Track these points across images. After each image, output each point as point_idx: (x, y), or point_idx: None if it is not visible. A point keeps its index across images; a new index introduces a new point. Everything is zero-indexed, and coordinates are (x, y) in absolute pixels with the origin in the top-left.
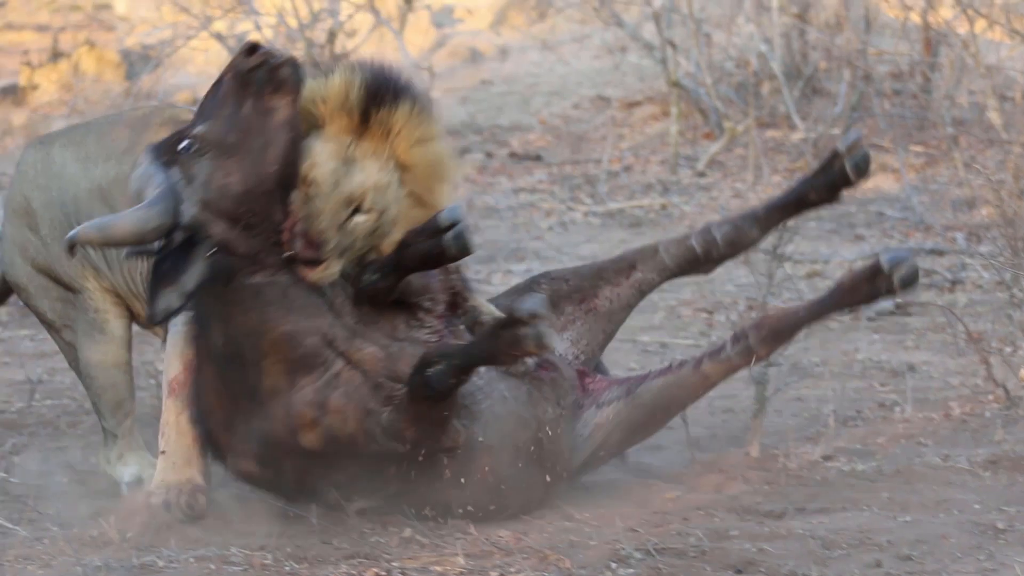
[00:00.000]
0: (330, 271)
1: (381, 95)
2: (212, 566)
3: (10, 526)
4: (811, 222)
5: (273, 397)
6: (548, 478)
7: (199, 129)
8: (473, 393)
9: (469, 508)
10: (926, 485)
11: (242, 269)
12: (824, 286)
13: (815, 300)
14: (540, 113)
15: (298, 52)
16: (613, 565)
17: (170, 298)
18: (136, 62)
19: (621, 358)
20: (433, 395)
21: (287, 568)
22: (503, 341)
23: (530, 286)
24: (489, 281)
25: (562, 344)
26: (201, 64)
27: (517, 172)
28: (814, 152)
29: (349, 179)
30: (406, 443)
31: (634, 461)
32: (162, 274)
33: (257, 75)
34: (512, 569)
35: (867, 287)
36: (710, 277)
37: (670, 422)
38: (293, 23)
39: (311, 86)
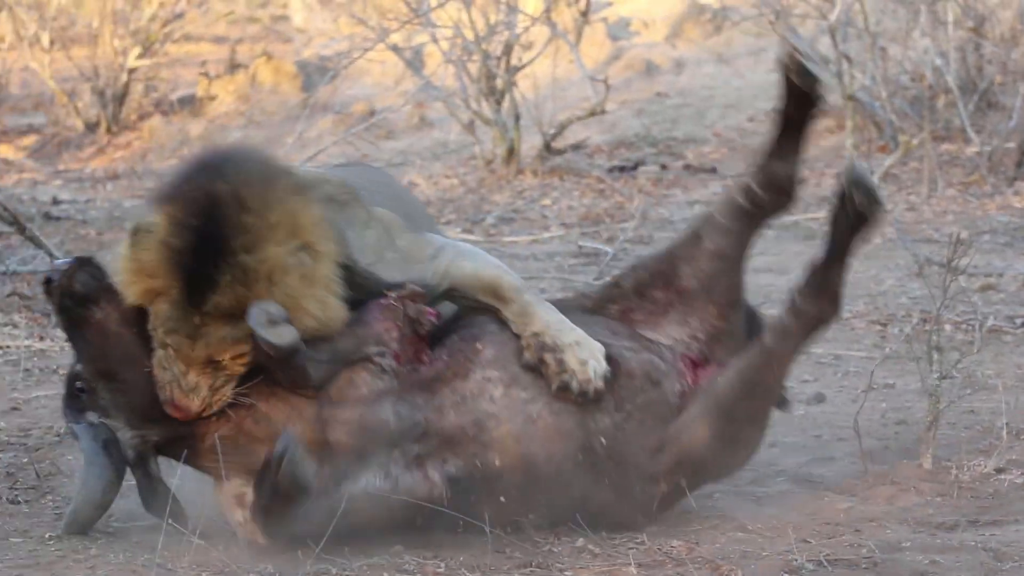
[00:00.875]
0: (219, 403)
1: (193, 277)
2: (385, 574)
3: (184, 532)
4: (985, 235)
5: None
6: (620, 482)
7: (79, 369)
8: (482, 421)
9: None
10: None
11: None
12: (998, 299)
13: (824, 247)
14: (715, 126)
15: (474, 65)
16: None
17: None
18: (312, 73)
19: (794, 370)
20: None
21: None
22: (274, 488)
23: (579, 301)
24: None
25: (669, 333)
26: (378, 76)
27: (692, 184)
28: (989, 166)
29: (196, 345)
30: None
31: (806, 472)
32: (151, 495)
33: (62, 305)
34: None
35: (843, 216)
36: (883, 289)
37: (841, 434)
38: (470, 35)
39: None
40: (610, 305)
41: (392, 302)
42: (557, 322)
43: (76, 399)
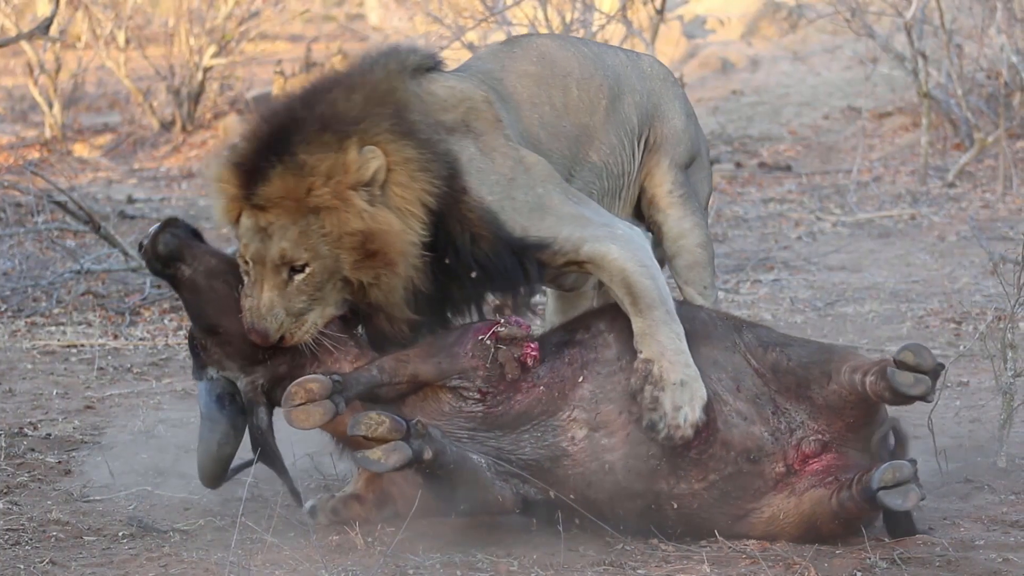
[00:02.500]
0: (300, 334)
1: (248, 172)
2: (459, 572)
3: (259, 531)
4: None
5: None
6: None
7: (192, 330)
8: (558, 459)
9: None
10: None
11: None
12: None
13: None
14: (790, 124)
15: None
16: (858, 574)
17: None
18: None
19: None
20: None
21: (533, 574)
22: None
23: (728, 337)
24: (737, 291)
25: (800, 412)
26: None
27: (767, 182)
28: None
29: (268, 246)
30: None
31: None
32: (260, 442)
33: (152, 267)
34: None
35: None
36: (957, 287)
37: (915, 432)
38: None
39: (210, 174)
40: (765, 354)
41: (487, 341)
42: (673, 353)
43: (196, 357)
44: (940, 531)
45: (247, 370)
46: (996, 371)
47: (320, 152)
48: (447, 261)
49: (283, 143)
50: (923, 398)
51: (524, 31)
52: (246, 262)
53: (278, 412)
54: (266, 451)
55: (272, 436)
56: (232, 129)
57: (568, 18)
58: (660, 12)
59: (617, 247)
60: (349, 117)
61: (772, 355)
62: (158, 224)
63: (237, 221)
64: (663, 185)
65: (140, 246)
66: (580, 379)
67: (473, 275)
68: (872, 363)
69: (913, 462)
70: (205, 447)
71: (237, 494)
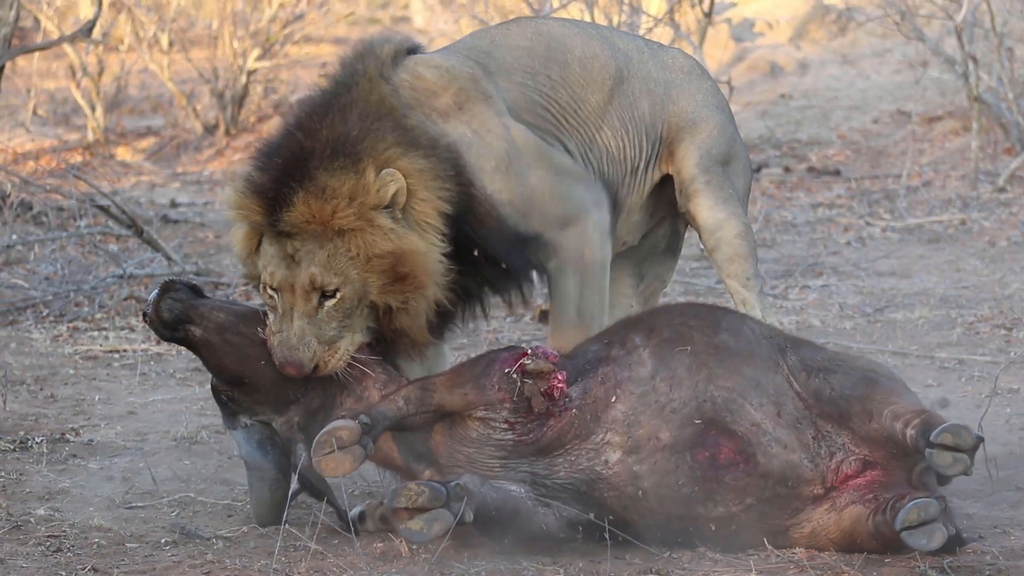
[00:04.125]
0: (334, 362)
1: (270, 199)
2: None
3: (303, 538)
4: None
5: None
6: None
7: (215, 383)
8: (593, 482)
9: None
10: None
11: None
12: None
13: None
14: (839, 128)
15: None
16: None
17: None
18: None
19: (918, 375)
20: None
21: None
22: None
23: (772, 358)
24: (786, 296)
25: (843, 436)
26: None
27: (816, 187)
28: None
29: (297, 272)
30: None
31: None
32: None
33: (160, 334)
34: None
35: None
36: (1008, 293)
37: None
38: None
39: (230, 200)
40: (808, 380)
41: (513, 375)
42: None
43: (225, 408)
44: (990, 539)
45: (280, 411)
46: None
47: (340, 175)
48: (475, 253)
49: (301, 169)
50: (963, 474)
51: None
52: (271, 292)
53: None
54: (312, 487)
55: (314, 470)
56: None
57: (615, 20)
58: (708, 15)
59: (572, 276)
60: (352, 137)
61: (815, 382)
62: (156, 290)
63: (256, 250)
64: (687, 170)
65: (144, 315)
66: (613, 399)
67: (503, 266)
68: (914, 412)
69: (941, 498)
70: (258, 497)
71: None
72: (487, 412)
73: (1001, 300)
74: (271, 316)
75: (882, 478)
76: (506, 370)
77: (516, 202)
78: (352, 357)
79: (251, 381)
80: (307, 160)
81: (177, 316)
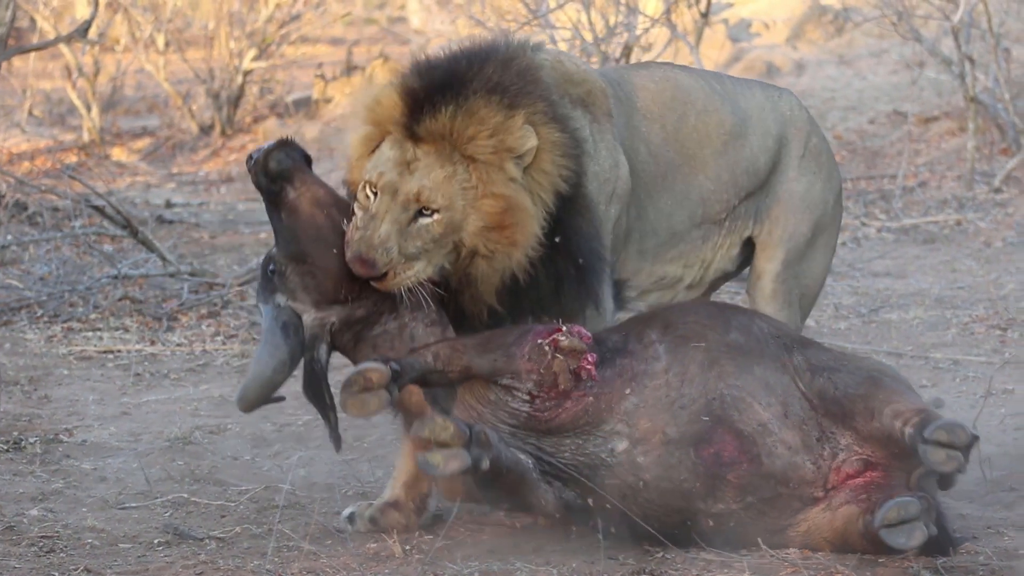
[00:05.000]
0: (403, 277)
1: (418, 101)
2: None
3: (295, 538)
4: None
5: None
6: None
7: (274, 252)
8: (595, 468)
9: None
10: None
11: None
12: None
13: None
14: (836, 128)
15: (593, 65)
16: None
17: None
18: None
19: (913, 375)
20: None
21: None
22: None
23: (777, 357)
24: None
25: (846, 436)
26: None
27: None
28: None
29: (407, 180)
30: None
31: None
32: (313, 379)
33: (258, 181)
34: None
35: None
36: (1003, 293)
37: None
38: (588, 37)
39: (368, 99)
40: (812, 380)
41: (545, 347)
42: None
43: (268, 281)
44: (984, 540)
45: (320, 306)
46: None
47: (494, 108)
48: (557, 240)
49: (460, 88)
50: (956, 472)
51: (567, 35)
52: (369, 192)
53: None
54: (317, 391)
55: (326, 377)
56: (272, 135)
57: (611, 21)
58: (705, 15)
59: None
60: (512, 89)
61: (819, 381)
62: (272, 142)
63: (369, 155)
64: (763, 275)
65: (250, 158)
66: (627, 391)
67: (580, 261)
68: (913, 411)
69: (924, 498)
70: (259, 369)
71: (274, 501)
72: (512, 381)
73: (996, 301)
74: (359, 214)
75: (881, 479)
76: (539, 341)
77: (594, 222)
78: (419, 283)
79: (313, 263)
80: (468, 83)
81: (282, 171)
